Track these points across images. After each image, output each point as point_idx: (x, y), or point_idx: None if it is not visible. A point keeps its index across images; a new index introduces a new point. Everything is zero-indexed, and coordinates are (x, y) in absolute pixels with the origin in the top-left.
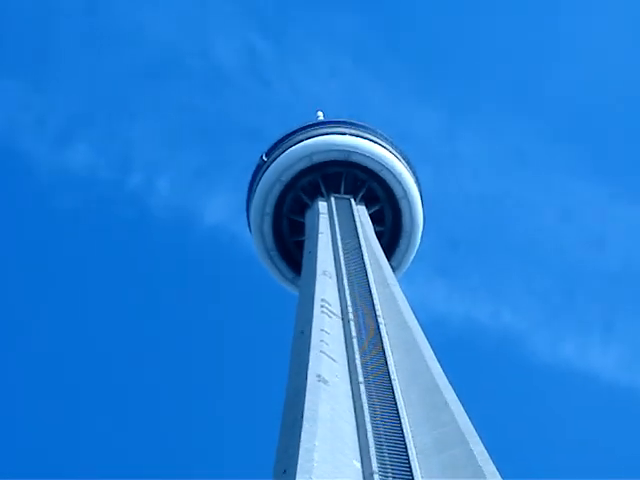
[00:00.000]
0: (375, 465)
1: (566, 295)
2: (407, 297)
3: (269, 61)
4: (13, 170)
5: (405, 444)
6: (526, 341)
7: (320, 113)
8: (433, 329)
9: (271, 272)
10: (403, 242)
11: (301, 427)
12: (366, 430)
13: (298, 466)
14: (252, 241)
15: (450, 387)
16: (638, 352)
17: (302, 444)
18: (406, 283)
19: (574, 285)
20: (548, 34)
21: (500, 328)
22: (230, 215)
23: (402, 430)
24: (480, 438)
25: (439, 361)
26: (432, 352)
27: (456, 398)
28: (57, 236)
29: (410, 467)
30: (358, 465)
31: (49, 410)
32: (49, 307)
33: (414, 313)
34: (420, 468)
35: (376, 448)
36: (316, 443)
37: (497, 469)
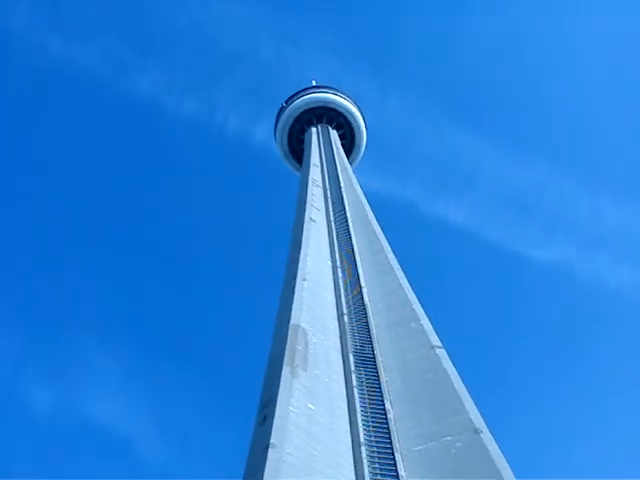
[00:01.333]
0: (338, 260)
1: (438, 182)
2: (358, 180)
3: (289, 56)
4: (151, 113)
5: (353, 249)
6: (417, 205)
7: (313, 81)
8: (369, 197)
9: (286, 164)
10: (355, 150)
11: (300, 244)
12: (334, 245)
13: (299, 261)
14: (277, 148)
15: (379, 228)
16: (475, 212)
17: (302, 250)
18: (357, 174)
19: (442, 176)
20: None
21: (405, 198)
22: (267, 136)
23: (352, 242)
24: (393, 250)
25: (373, 211)
26: (369, 207)
27: (382, 235)
28: (176, 146)
29: (355, 262)
30: (329, 262)
31: None
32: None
33: (361, 187)
34: (362, 263)
35: (339, 253)
36: (308, 251)
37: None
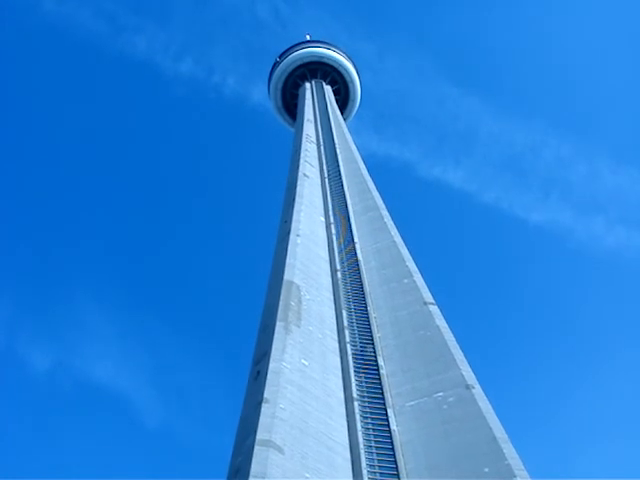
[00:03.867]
0: (331, 217)
1: (436, 144)
2: (352, 136)
3: (286, 15)
4: (147, 72)
5: (346, 205)
6: (415, 167)
7: (308, 36)
8: (367, 159)
9: (280, 120)
10: (349, 105)
11: (294, 199)
12: (328, 201)
13: (293, 218)
14: (270, 104)
15: (373, 184)
16: (473, 174)
17: (295, 207)
18: (355, 135)
19: (440, 138)
20: None
21: (402, 160)
22: (263, 95)
23: (345, 199)
24: (387, 208)
25: (367, 168)
26: (363, 164)
27: (376, 192)
28: (176, 105)
29: (349, 219)
30: (323, 219)
31: None
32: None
33: (355, 144)
34: (355, 220)
35: (332, 205)
36: (302, 207)
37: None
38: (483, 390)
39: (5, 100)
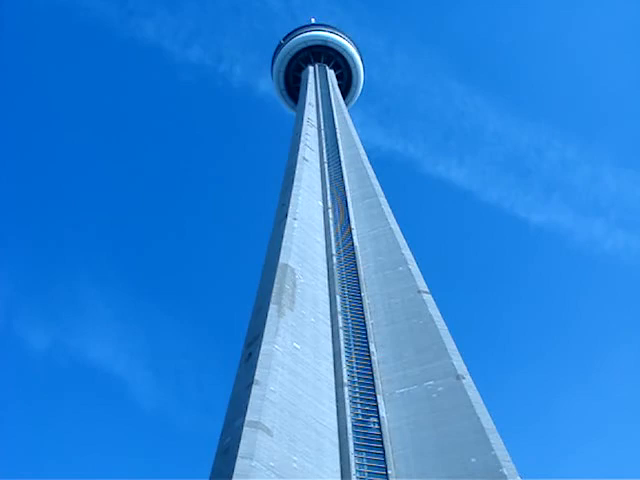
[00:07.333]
0: (329, 202)
1: (442, 140)
2: (359, 134)
3: (297, 6)
4: (158, 57)
5: (345, 191)
6: (420, 162)
7: (313, 19)
8: (371, 153)
9: (282, 103)
10: (352, 91)
11: (293, 182)
12: (326, 186)
13: (291, 201)
14: (273, 86)
15: (372, 171)
16: (476, 173)
17: (294, 190)
18: (360, 129)
19: (446, 135)
20: None
21: (407, 155)
22: (270, 85)
23: (344, 184)
24: (384, 195)
25: (370, 161)
26: (364, 150)
27: (375, 179)
28: (183, 90)
29: (347, 204)
30: (320, 203)
31: None
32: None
33: (357, 130)
34: (353, 206)
35: (330, 190)
36: (301, 191)
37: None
38: (474, 381)
39: (14, 81)
